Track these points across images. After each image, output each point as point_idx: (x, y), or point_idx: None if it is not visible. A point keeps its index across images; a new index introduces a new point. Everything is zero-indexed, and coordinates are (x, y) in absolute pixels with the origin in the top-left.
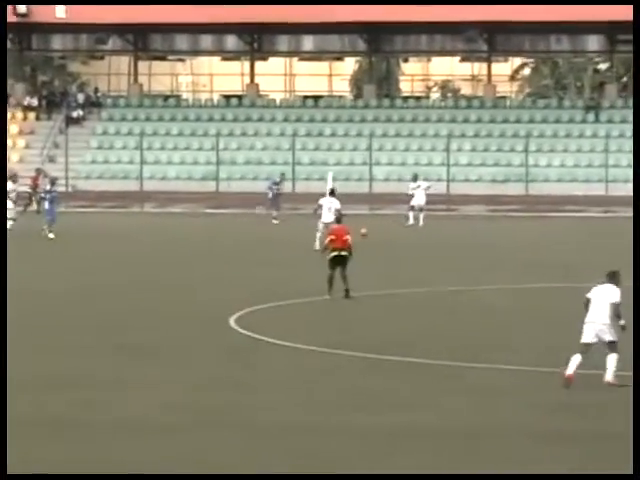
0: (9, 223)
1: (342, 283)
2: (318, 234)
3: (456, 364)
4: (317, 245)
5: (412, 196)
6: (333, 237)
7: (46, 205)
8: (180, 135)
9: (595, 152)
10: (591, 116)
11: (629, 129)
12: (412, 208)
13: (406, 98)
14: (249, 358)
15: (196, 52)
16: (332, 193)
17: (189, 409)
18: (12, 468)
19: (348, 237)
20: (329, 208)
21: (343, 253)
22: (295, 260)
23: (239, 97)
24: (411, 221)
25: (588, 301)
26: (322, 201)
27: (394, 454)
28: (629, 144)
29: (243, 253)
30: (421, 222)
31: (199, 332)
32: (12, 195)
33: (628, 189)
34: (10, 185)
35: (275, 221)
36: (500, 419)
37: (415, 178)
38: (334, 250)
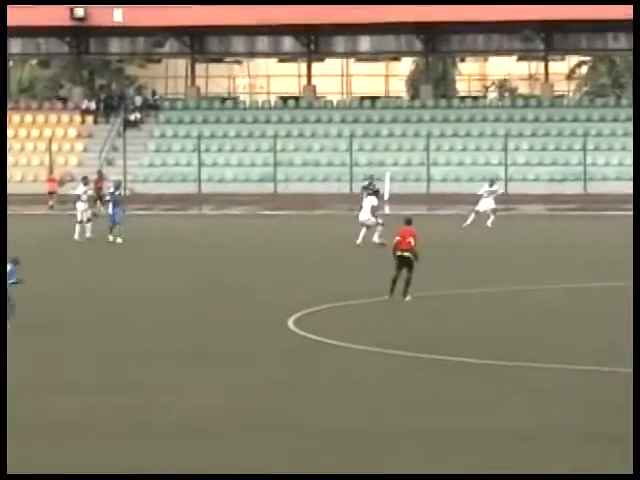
0: (87, 226)
1: (403, 285)
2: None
3: (518, 364)
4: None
5: (482, 197)
6: (399, 238)
7: (110, 209)
8: (237, 137)
9: None
10: None
11: None
12: (478, 211)
13: (463, 98)
14: (308, 360)
15: (253, 54)
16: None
17: (251, 411)
18: (79, 470)
19: (411, 240)
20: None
21: (405, 254)
22: (354, 261)
23: (296, 99)
24: (469, 222)
25: None
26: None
27: (456, 456)
28: None
29: (301, 255)
30: (490, 224)
31: (259, 334)
32: (84, 197)
33: None
34: (81, 187)
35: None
36: (561, 420)
37: (492, 182)
38: (398, 251)
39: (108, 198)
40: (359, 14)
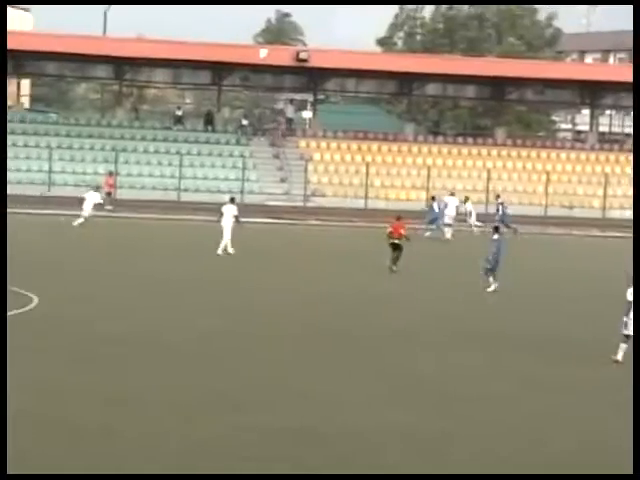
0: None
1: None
2: None
3: None
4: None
5: None
6: (391, 229)
7: None
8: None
9: None
10: None
11: None
12: None
13: None
14: None
15: None
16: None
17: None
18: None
19: (402, 230)
20: None
21: (396, 241)
22: None
23: None
24: None
25: None
26: None
27: None
28: None
29: None
30: None
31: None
32: None
33: None
34: None
35: None
36: None
37: None
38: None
39: None
40: None
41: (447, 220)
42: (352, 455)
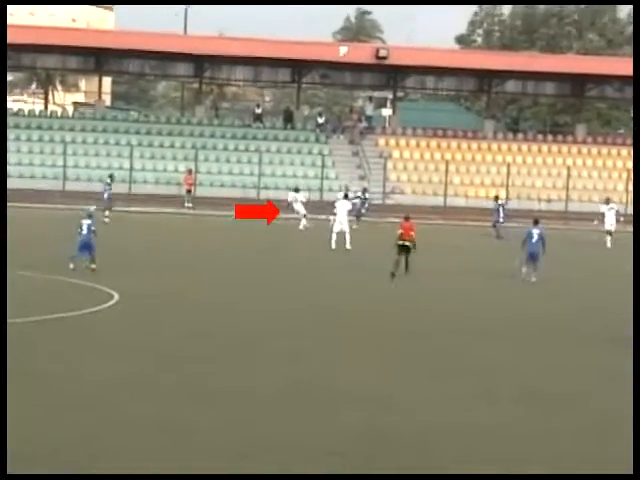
0: None
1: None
2: None
3: None
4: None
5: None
6: (402, 231)
7: None
8: None
9: None
10: None
11: None
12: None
13: None
14: None
15: None
16: None
17: None
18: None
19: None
20: None
21: (406, 243)
22: None
23: None
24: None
25: None
26: None
27: None
28: None
29: None
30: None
31: None
32: None
33: None
34: None
35: None
36: None
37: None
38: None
39: None
40: None
41: None
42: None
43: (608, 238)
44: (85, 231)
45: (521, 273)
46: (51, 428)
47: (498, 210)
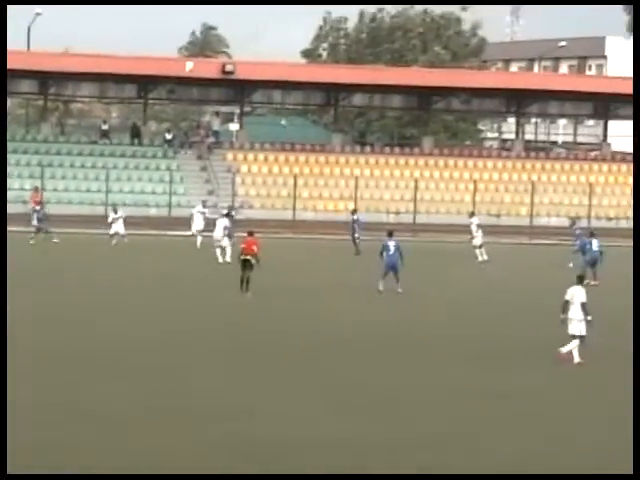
0: None
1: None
2: None
3: None
4: None
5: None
6: (244, 246)
7: None
8: None
9: None
10: None
11: None
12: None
13: None
14: None
15: None
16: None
17: None
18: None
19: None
20: None
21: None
22: None
23: None
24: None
25: None
26: None
27: None
28: None
29: None
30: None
31: None
32: None
33: None
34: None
35: None
36: None
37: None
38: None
39: None
40: None
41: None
42: None
43: (478, 251)
44: None
45: (379, 285)
46: None
47: (353, 224)
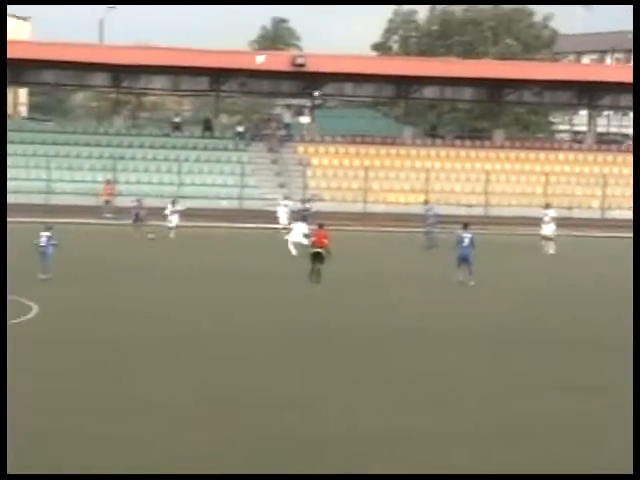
0: None
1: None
2: None
3: None
4: None
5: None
6: (315, 239)
7: None
8: None
9: None
10: None
11: None
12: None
13: None
14: None
15: None
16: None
17: None
18: None
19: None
20: None
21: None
22: None
23: None
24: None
25: None
26: None
27: None
28: None
29: None
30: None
31: None
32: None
33: None
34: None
35: None
36: None
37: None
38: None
39: None
40: None
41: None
42: None
43: (545, 243)
44: (43, 242)
45: (457, 277)
46: None
47: (427, 216)
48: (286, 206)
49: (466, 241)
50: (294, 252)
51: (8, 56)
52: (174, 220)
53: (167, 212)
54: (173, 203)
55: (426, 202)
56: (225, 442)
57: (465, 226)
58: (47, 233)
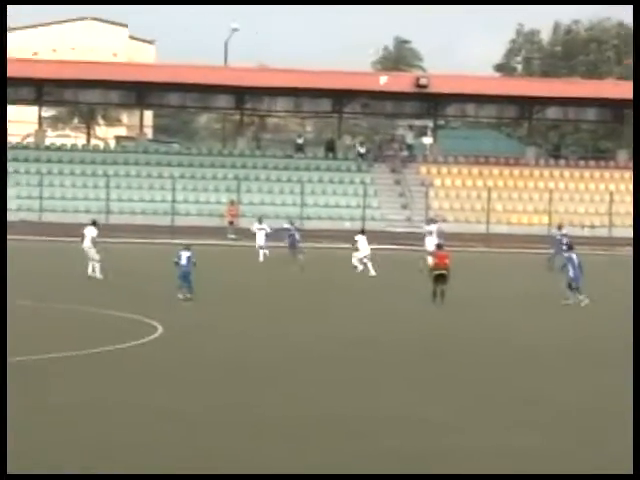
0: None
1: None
2: None
3: None
4: None
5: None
6: (437, 260)
7: None
8: None
9: None
10: None
11: None
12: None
13: None
14: None
15: None
16: None
17: None
18: None
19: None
20: None
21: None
22: None
23: None
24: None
25: None
26: None
27: None
28: None
29: None
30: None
31: None
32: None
33: None
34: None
35: None
36: None
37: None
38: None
39: None
40: None
41: None
42: None
43: None
44: (184, 262)
45: (567, 299)
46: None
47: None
48: (261, 230)
49: (576, 261)
50: (359, 268)
51: (134, 79)
52: (260, 239)
53: (254, 229)
54: (260, 221)
55: (560, 227)
56: (346, 456)
57: (570, 247)
58: (188, 253)
